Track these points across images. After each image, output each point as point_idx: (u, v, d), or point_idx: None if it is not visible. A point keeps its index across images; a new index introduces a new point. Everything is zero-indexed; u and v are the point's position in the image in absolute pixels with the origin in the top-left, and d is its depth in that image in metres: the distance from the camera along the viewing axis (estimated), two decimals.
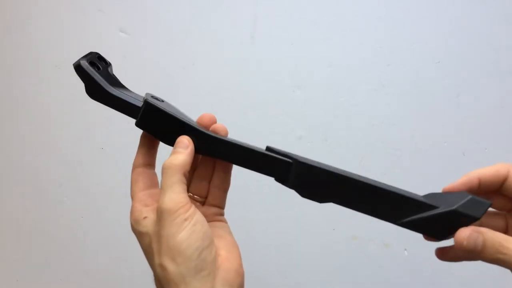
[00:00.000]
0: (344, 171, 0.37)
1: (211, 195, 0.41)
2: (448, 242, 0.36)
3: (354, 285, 0.82)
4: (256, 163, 0.37)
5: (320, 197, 0.37)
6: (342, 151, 0.79)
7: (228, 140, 0.37)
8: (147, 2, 0.83)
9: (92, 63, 0.38)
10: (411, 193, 0.37)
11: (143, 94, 0.40)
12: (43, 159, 0.90)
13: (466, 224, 0.34)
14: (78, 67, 0.37)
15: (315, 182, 0.36)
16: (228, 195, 0.42)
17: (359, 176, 0.37)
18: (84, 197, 0.89)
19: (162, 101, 0.39)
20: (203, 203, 0.41)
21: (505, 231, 0.37)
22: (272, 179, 0.38)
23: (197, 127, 0.37)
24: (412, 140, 0.77)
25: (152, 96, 0.39)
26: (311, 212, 0.80)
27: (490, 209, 0.36)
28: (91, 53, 0.40)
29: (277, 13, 0.79)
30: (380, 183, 0.37)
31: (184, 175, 0.35)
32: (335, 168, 0.37)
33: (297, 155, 0.38)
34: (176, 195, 0.34)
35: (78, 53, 0.39)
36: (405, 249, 0.79)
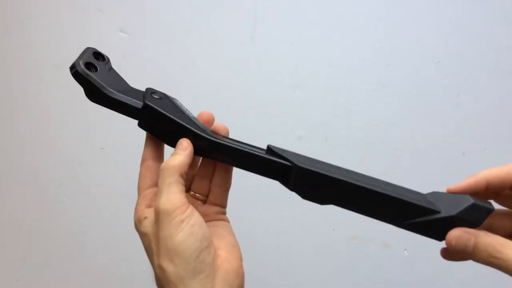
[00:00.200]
0: (344, 171, 0.37)
1: (213, 194, 0.41)
2: None
3: (354, 285, 0.82)
4: (256, 167, 0.37)
5: (320, 200, 0.37)
6: (342, 151, 0.79)
7: (228, 143, 0.37)
8: (147, 2, 0.83)
9: (88, 64, 0.37)
10: (413, 193, 0.37)
11: (143, 90, 0.40)
12: (43, 159, 0.90)
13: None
14: (75, 74, 0.36)
15: (315, 186, 0.36)
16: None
17: (360, 178, 0.37)
18: (84, 197, 0.89)
19: (163, 95, 0.39)
20: (204, 202, 0.41)
21: None
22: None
23: (196, 130, 0.37)
24: (412, 140, 0.77)
25: (153, 92, 0.39)
26: (311, 212, 0.80)
27: (500, 208, 0.36)
28: (87, 49, 0.39)
29: (277, 13, 0.79)
30: (381, 185, 0.36)
31: (182, 176, 0.35)
32: (335, 169, 0.37)
33: (298, 155, 0.37)
34: (173, 196, 0.33)
35: (78, 53, 0.39)
36: (405, 249, 0.79)
